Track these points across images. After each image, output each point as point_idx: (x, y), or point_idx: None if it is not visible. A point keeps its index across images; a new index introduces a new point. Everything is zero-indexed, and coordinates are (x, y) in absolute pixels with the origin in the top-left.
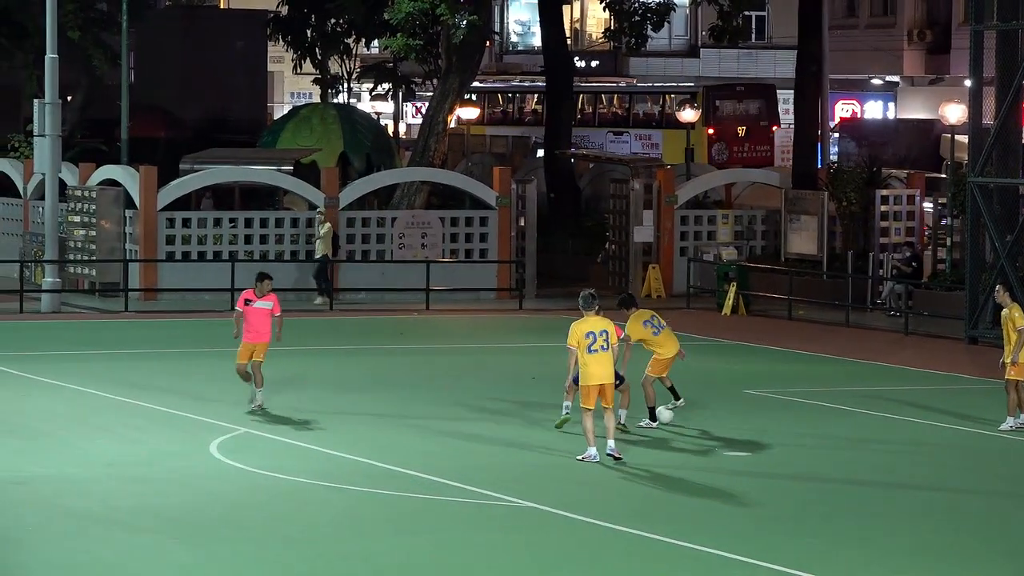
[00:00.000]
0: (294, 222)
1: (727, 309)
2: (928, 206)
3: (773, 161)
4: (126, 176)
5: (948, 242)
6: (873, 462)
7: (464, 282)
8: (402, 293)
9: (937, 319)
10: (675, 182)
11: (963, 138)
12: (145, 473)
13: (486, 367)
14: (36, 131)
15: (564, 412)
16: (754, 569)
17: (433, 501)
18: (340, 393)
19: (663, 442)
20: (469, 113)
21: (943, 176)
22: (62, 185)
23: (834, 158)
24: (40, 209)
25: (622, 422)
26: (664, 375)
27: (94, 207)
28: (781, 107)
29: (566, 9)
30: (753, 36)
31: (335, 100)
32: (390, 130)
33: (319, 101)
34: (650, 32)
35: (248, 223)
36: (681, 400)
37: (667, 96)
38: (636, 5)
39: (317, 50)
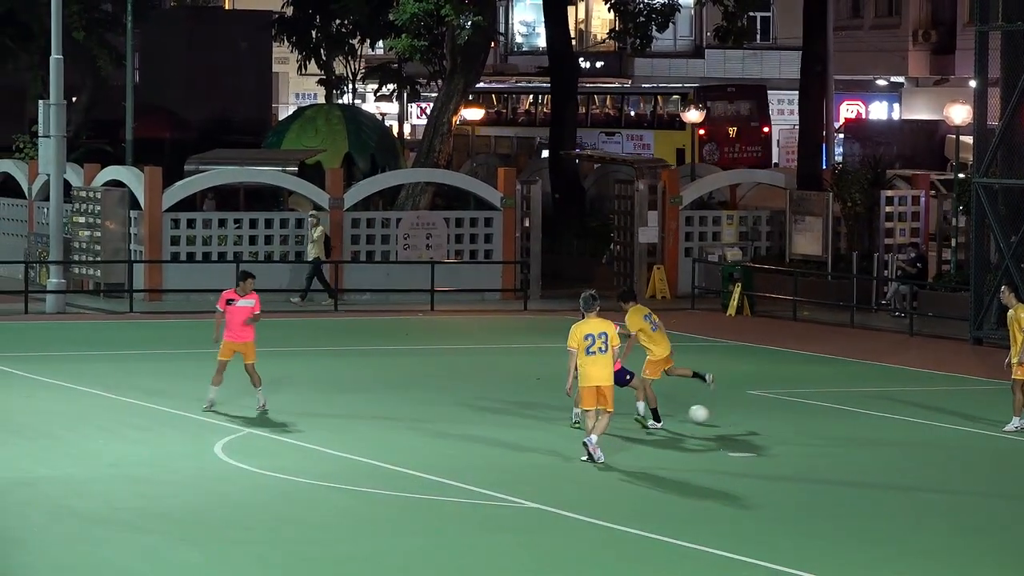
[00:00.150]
0: (299, 223)
1: (732, 310)
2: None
3: (765, 161)
4: (131, 177)
5: (953, 243)
6: (877, 463)
7: (469, 283)
8: (407, 294)
9: (942, 320)
10: (680, 183)
11: (968, 139)
12: (149, 474)
13: (490, 368)
14: (41, 132)
15: (574, 420)
16: (757, 569)
17: (437, 502)
18: (344, 394)
19: (665, 442)
20: (474, 114)
21: (942, 177)
22: (67, 186)
23: (839, 159)
24: (45, 210)
25: (641, 414)
26: (658, 377)
27: (99, 208)
28: (786, 108)
29: (571, 10)
30: (758, 37)
31: (340, 101)
32: (395, 131)
33: (324, 102)
34: (655, 33)
35: (253, 224)
36: (709, 375)
37: (659, 97)
38: (641, 6)
39: (322, 51)
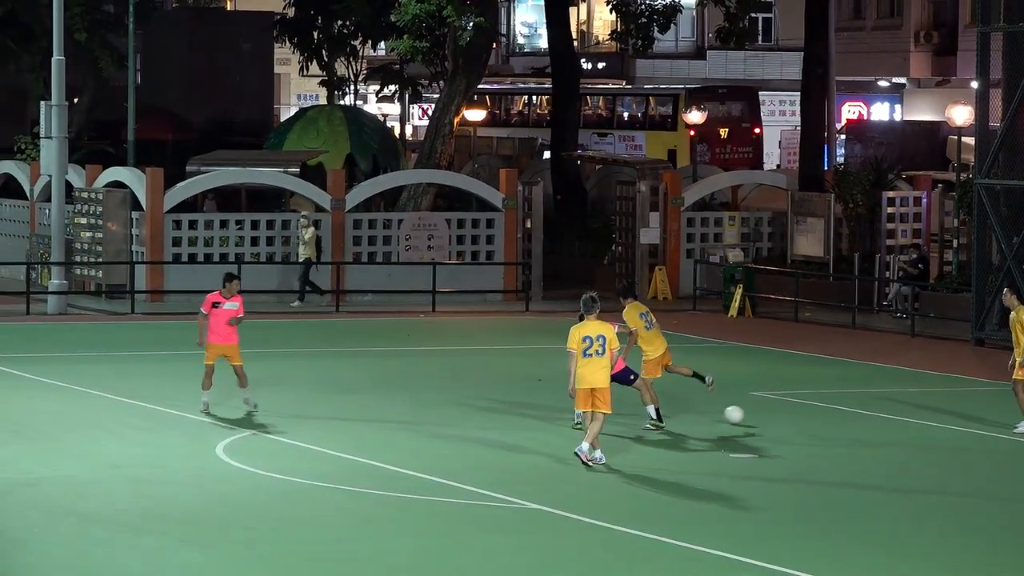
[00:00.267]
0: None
1: (733, 311)
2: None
3: (756, 162)
4: (133, 178)
5: (955, 244)
6: (878, 464)
7: (470, 284)
8: (408, 295)
9: (944, 321)
10: (681, 184)
11: (970, 140)
12: (151, 475)
13: (492, 369)
14: (43, 133)
15: (576, 421)
16: (756, 570)
17: (437, 502)
18: (345, 395)
19: (666, 443)
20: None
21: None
22: (69, 187)
23: (840, 160)
24: (47, 211)
25: (653, 418)
26: (659, 375)
27: (101, 209)
28: (788, 109)
29: (572, 11)
30: (760, 38)
31: (342, 102)
32: (396, 132)
33: (326, 103)
34: (656, 34)
35: (254, 225)
36: (709, 377)
37: (650, 98)
38: (643, 7)
39: (324, 52)
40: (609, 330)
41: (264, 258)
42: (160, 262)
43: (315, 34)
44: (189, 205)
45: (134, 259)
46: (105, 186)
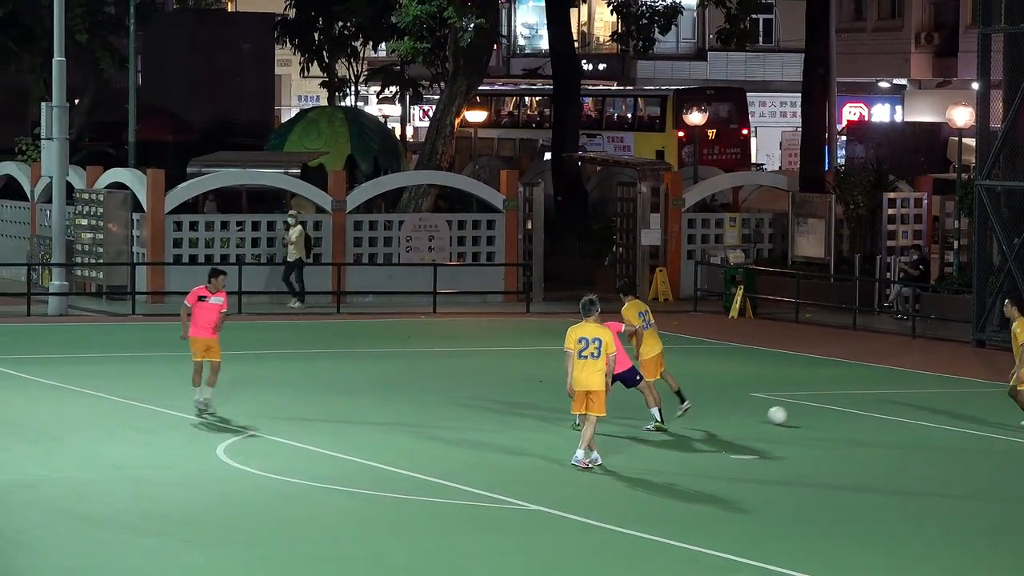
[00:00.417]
0: (301, 225)
1: (734, 312)
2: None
3: (744, 163)
4: (133, 179)
5: (955, 245)
6: (880, 465)
7: (471, 285)
8: (409, 296)
9: (944, 322)
10: (682, 185)
11: (971, 141)
12: (151, 476)
13: (492, 370)
14: (44, 134)
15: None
16: (757, 571)
17: (437, 503)
18: (346, 396)
19: (668, 445)
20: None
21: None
22: (69, 188)
23: (841, 161)
24: (47, 212)
25: (657, 420)
26: (658, 376)
27: (101, 210)
28: (789, 110)
29: (573, 12)
30: (761, 39)
31: (342, 103)
32: (397, 133)
33: (326, 104)
34: (657, 35)
35: (255, 226)
36: (687, 402)
37: (639, 99)
38: (643, 8)
39: (324, 53)
40: (606, 333)
41: (265, 259)
42: (161, 263)
43: (316, 35)
44: (190, 206)
45: (135, 260)
46: (106, 187)
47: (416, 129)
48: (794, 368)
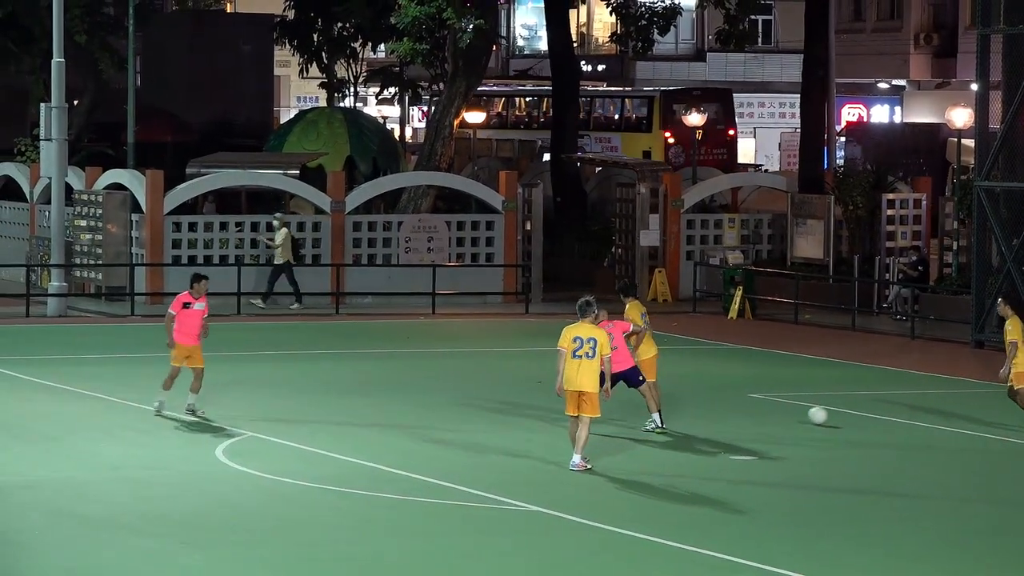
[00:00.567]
0: (300, 226)
1: (733, 313)
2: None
3: (730, 163)
4: (132, 180)
5: (954, 246)
6: (878, 466)
7: (470, 286)
8: (408, 297)
9: (943, 323)
10: (681, 186)
11: (970, 142)
12: (151, 477)
13: (491, 371)
14: (43, 135)
15: None
16: (755, 571)
17: (436, 504)
18: (345, 397)
19: (666, 445)
20: (475, 117)
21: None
22: (68, 189)
23: (840, 162)
24: (46, 213)
25: (660, 425)
26: (654, 378)
27: (100, 211)
28: (788, 111)
29: (572, 13)
30: (760, 40)
31: (341, 104)
32: (396, 134)
33: (325, 105)
34: (656, 36)
35: (254, 227)
36: (657, 421)
37: (626, 100)
38: (642, 9)
39: (323, 54)
40: (602, 334)
41: (264, 260)
42: (160, 264)
43: (315, 36)
44: (189, 207)
45: (134, 261)
46: (105, 188)
47: (415, 130)
48: (793, 369)
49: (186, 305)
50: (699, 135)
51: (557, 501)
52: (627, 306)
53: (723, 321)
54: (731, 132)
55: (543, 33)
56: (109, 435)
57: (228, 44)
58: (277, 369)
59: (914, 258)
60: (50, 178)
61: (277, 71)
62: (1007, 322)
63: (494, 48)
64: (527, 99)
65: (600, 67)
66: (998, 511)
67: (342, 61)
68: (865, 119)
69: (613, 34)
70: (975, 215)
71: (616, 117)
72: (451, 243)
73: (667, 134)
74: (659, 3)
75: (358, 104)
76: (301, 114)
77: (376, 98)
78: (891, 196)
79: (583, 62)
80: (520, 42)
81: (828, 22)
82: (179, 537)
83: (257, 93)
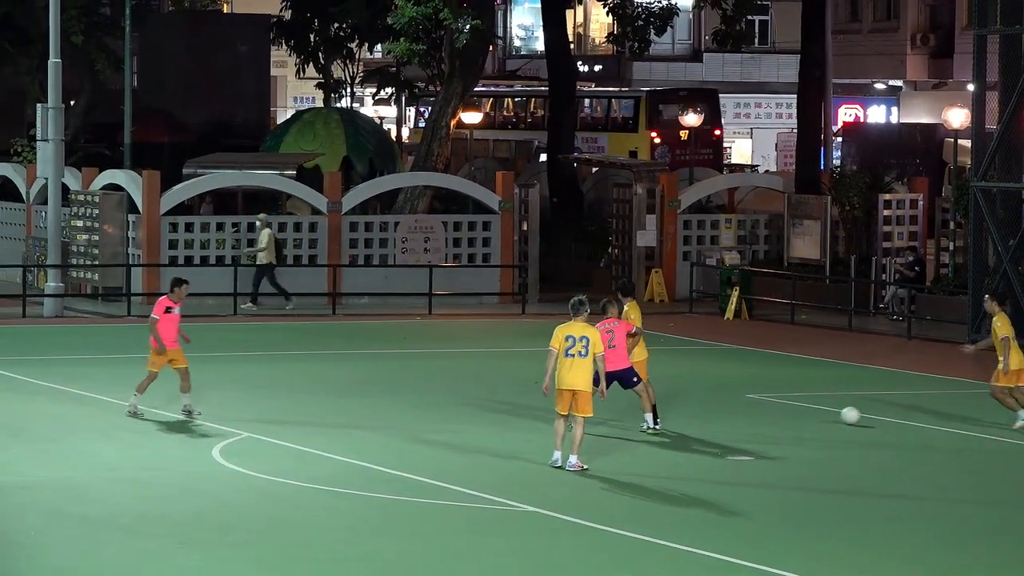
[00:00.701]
0: (296, 226)
1: (730, 314)
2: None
3: (716, 164)
4: (129, 180)
5: (951, 247)
6: (876, 466)
7: (467, 286)
8: (405, 297)
9: (940, 323)
10: (678, 187)
11: (966, 142)
12: (147, 477)
13: (487, 371)
14: (39, 135)
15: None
16: (751, 572)
17: (432, 504)
18: (341, 397)
19: (662, 445)
20: (472, 117)
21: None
22: (65, 189)
23: (837, 162)
24: (43, 213)
25: (651, 426)
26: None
27: (97, 211)
28: (784, 111)
29: (569, 13)
30: (756, 40)
31: (338, 104)
32: (393, 134)
33: (322, 105)
34: (653, 37)
35: (251, 227)
36: (648, 423)
37: (612, 100)
38: (639, 9)
39: (320, 55)
40: (594, 333)
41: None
42: (156, 264)
43: (311, 37)
44: (186, 208)
45: (130, 262)
46: (101, 189)
47: (411, 130)
48: (789, 369)
49: (168, 310)
50: (685, 135)
51: (552, 501)
52: (628, 306)
53: (719, 321)
54: (717, 132)
55: (540, 33)
56: (106, 436)
57: (225, 44)
58: (273, 370)
59: (910, 258)
60: (46, 178)
61: (274, 71)
62: (995, 319)
63: (491, 49)
64: (515, 99)
65: (596, 67)
66: (993, 511)
67: (339, 61)
68: (862, 119)
69: (610, 34)
70: (971, 215)
71: (603, 117)
72: (448, 243)
73: (653, 134)
74: (656, 3)
75: (355, 104)
76: (298, 114)
77: (373, 98)
78: (888, 196)
79: (580, 62)
80: (517, 42)
81: (824, 22)
82: (177, 537)
83: (254, 93)
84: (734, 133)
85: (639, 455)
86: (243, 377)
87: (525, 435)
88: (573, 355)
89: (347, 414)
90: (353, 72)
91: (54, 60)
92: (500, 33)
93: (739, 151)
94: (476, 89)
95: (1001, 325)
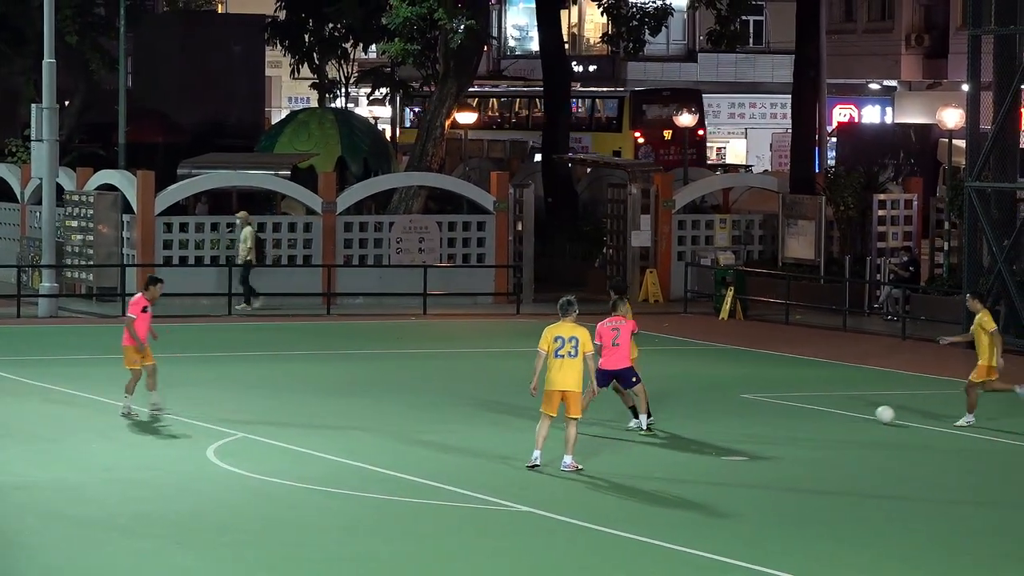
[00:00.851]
0: (291, 227)
1: (724, 314)
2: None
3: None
4: (124, 181)
5: (945, 247)
6: (868, 466)
7: (462, 286)
8: (400, 298)
9: (934, 323)
10: (673, 187)
11: (961, 143)
12: (143, 478)
13: (482, 371)
14: (34, 136)
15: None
16: (746, 572)
17: (428, 505)
18: (336, 398)
19: (657, 446)
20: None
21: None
22: (59, 190)
23: (832, 163)
24: (37, 214)
25: (643, 427)
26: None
27: (91, 212)
28: (779, 112)
29: (564, 14)
30: (751, 41)
31: (333, 105)
32: (387, 135)
33: (317, 106)
34: (647, 37)
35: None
36: (639, 421)
37: (597, 100)
38: (634, 10)
39: (315, 55)
40: (583, 333)
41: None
42: (151, 265)
43: (306, 37)
44: (180, 208)
45: (125, 262)
46: (96, 189)
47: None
48: (784, 369)
49: (144, 309)
50: (668, 135)
51: (546, 501)
52: (627, 306)
53: (714, 322)
54: (700, 132)
55: (534, 34)
56: (101, 436)
57: (219, 45)
58: (268, 370)
59: (905, 259)
60: (41, 179)
61: (268, 72)
62: (979, 315)
63: (485, 49)
64: (508, 99)
65: (591, 68)
66: (989, 512)
67: (333, 62)
68: (856, 120)
69: (604, 35)
70: (966, 216)
71: (587, 117)
72: (442, 244)
73: (637, 134)
74: (650, 4)
75: (349, 105)
76: (292, 115)
77: (367, 99)
78: (882, 197)
79: (574, 63)
80: (511, 43)
81: (819, 23)
82: (172, 537)
83: (248, 94)
84: (728, 133)
85: (633, 455)
86: (238, 377)
87: (520, 435)
88: (563, 356)
89: (341, 414)
90: (348, 72)
91: (49, 60)
92: (495, 33)
93: (734, 151)
94: (470, 89)
95: (987, 320)
